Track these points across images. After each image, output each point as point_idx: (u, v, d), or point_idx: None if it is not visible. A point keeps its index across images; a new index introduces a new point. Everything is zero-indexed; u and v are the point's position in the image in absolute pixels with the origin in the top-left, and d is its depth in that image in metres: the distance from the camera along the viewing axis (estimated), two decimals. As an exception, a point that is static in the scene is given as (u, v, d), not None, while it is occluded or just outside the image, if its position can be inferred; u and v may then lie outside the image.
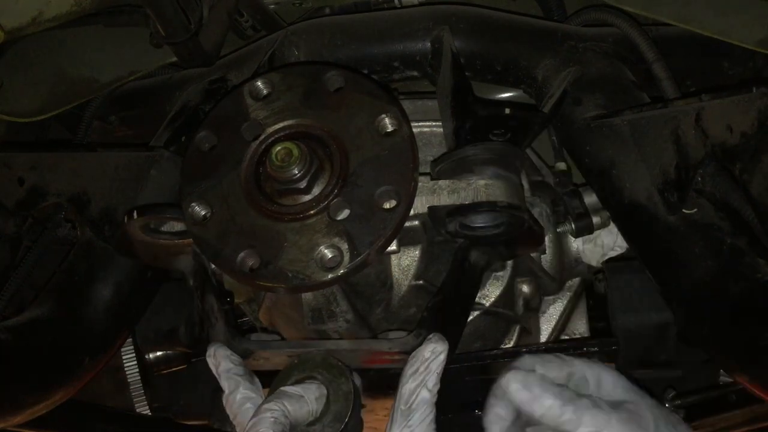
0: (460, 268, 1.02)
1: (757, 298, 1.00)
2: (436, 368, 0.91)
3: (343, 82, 1.02)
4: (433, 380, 0.91)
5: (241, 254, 0.94)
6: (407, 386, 0.90)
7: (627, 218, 1.15)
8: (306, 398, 0.90)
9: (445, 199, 1.01)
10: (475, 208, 0.99)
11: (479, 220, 1.01)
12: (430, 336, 0.92)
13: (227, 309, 0.98)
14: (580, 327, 1.39)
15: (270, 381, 0.99)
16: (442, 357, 0.91)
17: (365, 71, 1.23)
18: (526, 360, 0.96)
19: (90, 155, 1.21)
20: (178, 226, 1.06)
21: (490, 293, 1.20)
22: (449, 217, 1.01)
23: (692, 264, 1.05)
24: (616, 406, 0.91)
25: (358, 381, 0.98)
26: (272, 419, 0.86)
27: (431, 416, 0.90)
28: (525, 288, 1.24)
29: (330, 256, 0.92)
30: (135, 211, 1.02)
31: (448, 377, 0.92)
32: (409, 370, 0.91)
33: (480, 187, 1.00)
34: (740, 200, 0.99)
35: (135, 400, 1.66)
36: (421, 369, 0.90)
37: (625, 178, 1.11)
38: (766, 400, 1.05)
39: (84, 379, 1.21)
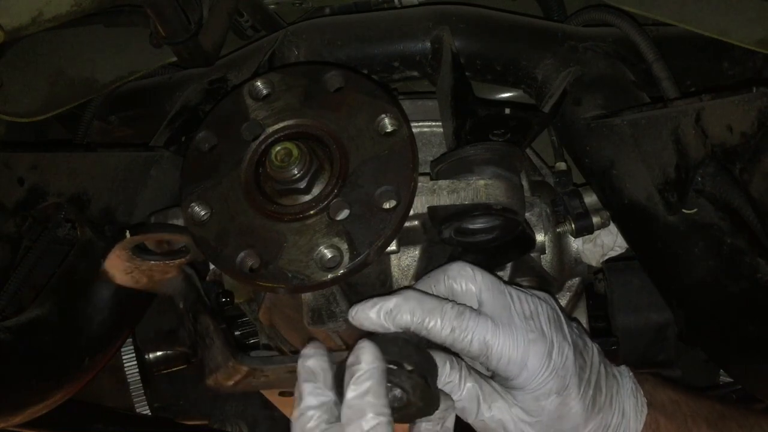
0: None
1: (757, 298, 1.00)
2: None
3: (343, 82, 1.02)
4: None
5: (241, 254, 0.94)
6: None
7: (627, 218, 1.15)
8: None
9: (444, 199, 1.01)
10: (471, 212, 0.99)
11: (476, 223, 1.01)
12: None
13: (224, 327, 0.97)
14: (580, 327, 1.39)
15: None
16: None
17: (365, 71, 1.23)
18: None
19: (90, 155, 1.21)
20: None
21: (490, 293, 1.20)
22: (445, 223, 1.00)
23: (692, 264, 1.06)
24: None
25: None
26: None
27: None
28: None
29: (330, 256, 0.92)
30: (128, 231, 1.00)
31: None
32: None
33: (480, 187, 1.00)
34: (740, 200, 0.99)
35: (135, 400, 1.66)
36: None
37: (625, 178, 1.11)
38: (766, 400, 1.05)
39: (84, 379, 1.21)
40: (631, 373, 1.03)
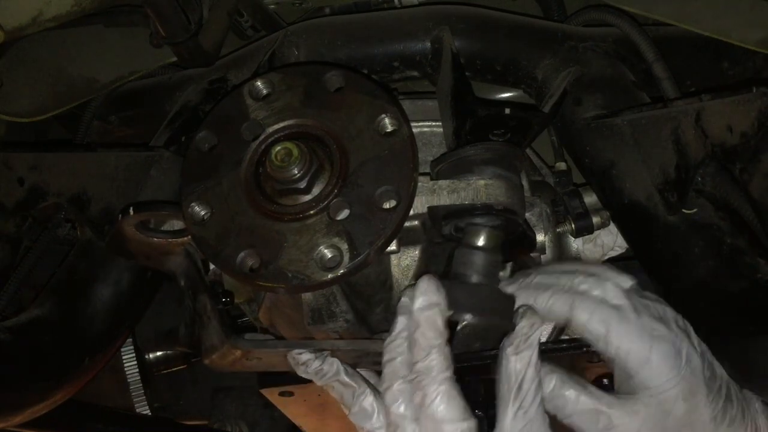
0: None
1: (757, 298, 1.00)
2: (537, 342, 0.87)
3: (343, 82, 1.02)
4: (536, 355, 0.87)
5: (241, 254, 0.94)
6: (512, 366, 0.86)
7: (627, 218, 1.15)
8: None
9: (444, 199, 1.01)
10: (472, 210, 1.00)
11: (477, 222, 1.01)
12: (524, 309, 0.89)
13: (221, 308, 0.98)
14: (580, 327, 1.38)
15: (266, 381, 0.98)
16: (539, 329, 0.87)
17: (365, 71, 1.23)
18: None
19: (90, 155, 1.21)
20: (176, 225, 1.06)
21: (490, 293, 1.20)
22: (446, 220, 1.01)
23: (692, 264, 1.05)
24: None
25: None
26: None
27: (540, 395, 0.87)
28: (525, 288, 1.24)
29: (330, 256, 0.92)
30: (131, 208, 1.02)
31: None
32: (509, 348, 0.87)
33: (480, 186, 1.00)
34: (740, 200, 0.99)
35: (135, 400, 1.67)
36: (522, 346, 0.86)
37: (625, 178, 1.11)
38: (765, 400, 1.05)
39: (84, 379, 1.21)
40: (756, 395, 0.98)
